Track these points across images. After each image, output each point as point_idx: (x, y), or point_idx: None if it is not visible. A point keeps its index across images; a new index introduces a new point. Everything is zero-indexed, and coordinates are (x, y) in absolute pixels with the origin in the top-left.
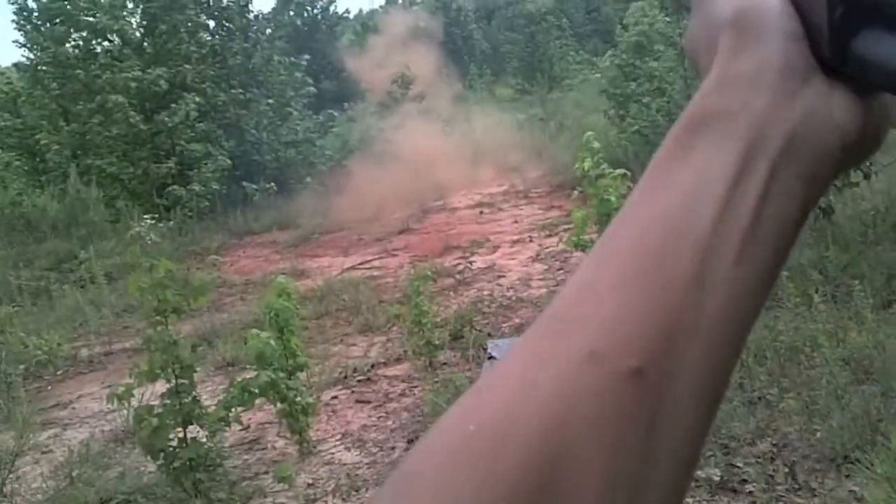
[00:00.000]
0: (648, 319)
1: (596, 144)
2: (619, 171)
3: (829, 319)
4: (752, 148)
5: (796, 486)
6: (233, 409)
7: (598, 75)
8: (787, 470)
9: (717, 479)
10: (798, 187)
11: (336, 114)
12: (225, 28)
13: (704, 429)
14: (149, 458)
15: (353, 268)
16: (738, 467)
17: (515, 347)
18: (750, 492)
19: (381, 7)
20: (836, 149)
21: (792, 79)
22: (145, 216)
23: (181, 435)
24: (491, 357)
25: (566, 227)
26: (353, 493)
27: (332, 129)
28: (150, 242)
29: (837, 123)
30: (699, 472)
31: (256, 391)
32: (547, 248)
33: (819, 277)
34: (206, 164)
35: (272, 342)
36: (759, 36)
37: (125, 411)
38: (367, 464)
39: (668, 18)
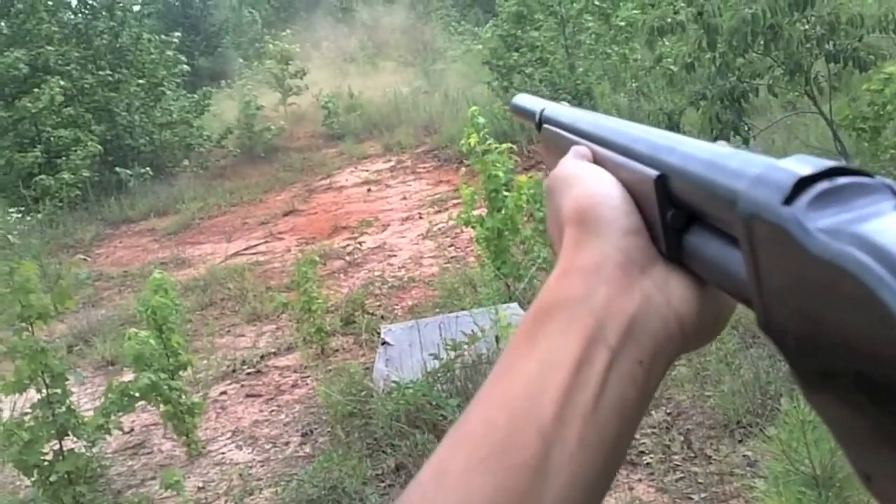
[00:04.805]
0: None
1: (481, 120)
2: (505, 145)
3: None
4: (593, 337)
5: (692, 455)
6: (112, 415)
7: (481, 46)
8: (682, 439)
9: None
10: (639, 371)
11: (213, 91)
12: (89, 6)
13: None
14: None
15: (237, 254)
16: (636, 439)
17: None
18: (648, 463)
19: None
20: (674, 333)
21: (630, 271)
22: (10, 209)
23: (56, 447)
24: (385, 343)
25: (455, 202)
26: (247, 495)
27: (210, 109)
28: (11, 241)
29: (675, 310)
30: None
31: (136, 395)
32: (437, 224)
33: None
34: (75, 150)
35: (151, 342)
36: (599, 232)
37: None
38: (259, 462)
39: None
